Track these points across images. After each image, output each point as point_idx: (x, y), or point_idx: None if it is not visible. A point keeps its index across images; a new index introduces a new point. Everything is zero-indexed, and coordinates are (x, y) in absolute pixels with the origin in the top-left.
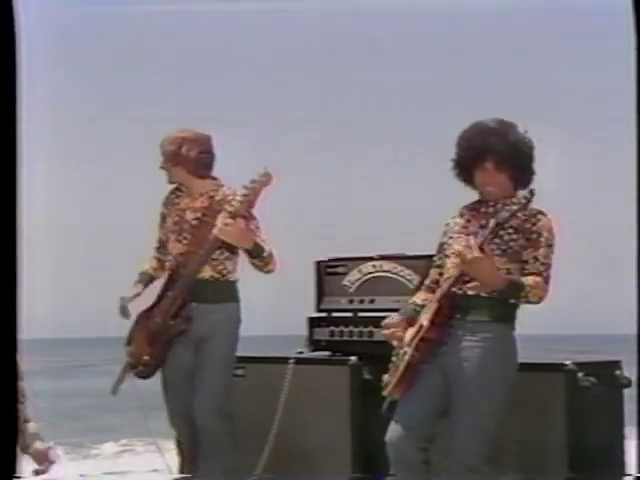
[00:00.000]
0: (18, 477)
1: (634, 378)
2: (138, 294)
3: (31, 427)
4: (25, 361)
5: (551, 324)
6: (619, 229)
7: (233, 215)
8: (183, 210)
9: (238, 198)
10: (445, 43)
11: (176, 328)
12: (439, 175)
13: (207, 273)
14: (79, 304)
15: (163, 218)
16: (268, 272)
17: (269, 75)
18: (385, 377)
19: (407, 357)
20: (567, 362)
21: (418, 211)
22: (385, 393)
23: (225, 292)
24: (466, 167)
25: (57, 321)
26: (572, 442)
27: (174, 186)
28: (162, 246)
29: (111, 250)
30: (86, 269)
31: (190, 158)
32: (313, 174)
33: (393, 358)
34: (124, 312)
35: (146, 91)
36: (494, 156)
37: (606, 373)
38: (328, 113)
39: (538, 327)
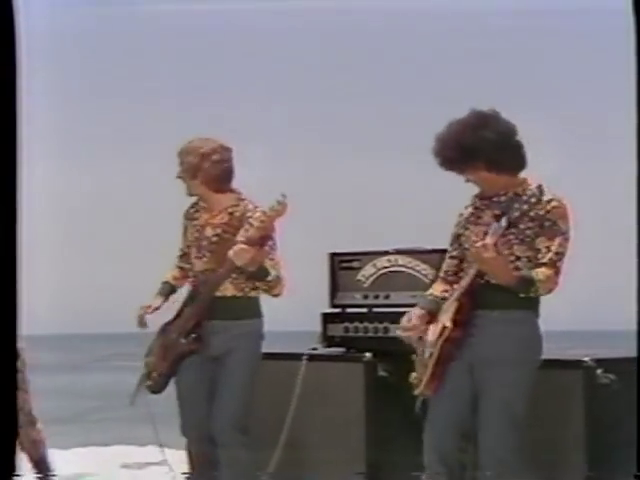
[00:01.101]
0: (18, 475)
1: None
2: (157, 307)
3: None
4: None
5: (565, 319)
6: (619, 229)
7: (247, 241)
8: (203, 226)
9: (255, 224)
10: (445, 43)
11: (186, 347)
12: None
13: (228, 291)
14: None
15: (185, 230)
16: (275, 296)
17: (279, 71)
18: (413, 376)
19: (434, 357)
20: (586, 358)
21: (430, 203)
22: (417, 392)
23: (247, 308)
24: (456, 167)
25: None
26: (591, 440)
27: (194, 199)
28: (184, 255)
29: (121, 245)
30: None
31: (210, 173)
32: (328, 170)
33: (417, 357)
34: (141, 322)
35: (146, 91)
36: (484, 156)
37: (625, 370)
38: (338, 107)
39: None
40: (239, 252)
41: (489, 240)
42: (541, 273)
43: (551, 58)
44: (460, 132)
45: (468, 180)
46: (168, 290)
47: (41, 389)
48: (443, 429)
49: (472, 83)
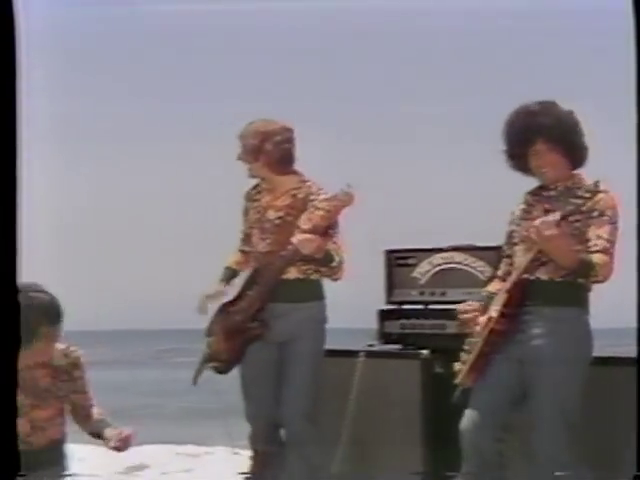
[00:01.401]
0: (22, 475)
1: None
2: (222, 293)
3: (96, 413)
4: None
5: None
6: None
7: (312, 230)
8: (265, 208)
9: (319, 213)
10: (446, 42)
11: (253, 332)
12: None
13: (292, 274)
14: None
15: (246, 212)
16: (335, 280)
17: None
18: (456, 365)
19: (478, 347)
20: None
21: (486, 200)
22: (457, 381)
23: (310, 291)
24: (518, 154)
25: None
26: None
27: (255, 181)
28: (246, 239)
29: (177, 241)
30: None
31: (272, 155)
32: (382, 167)
33: (465, 346)
34: (203, 309)
35: (146, 91)
36: (543, 136)
37: None
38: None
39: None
40: (304, 242)
41: (552, 217)
42: (597, 257)
43: (551, 58)
44: (519, 117)
45: (530, 173)
46: (231, 275)
47: (102, 384)
48: (481, 420)
49: (471, 83)
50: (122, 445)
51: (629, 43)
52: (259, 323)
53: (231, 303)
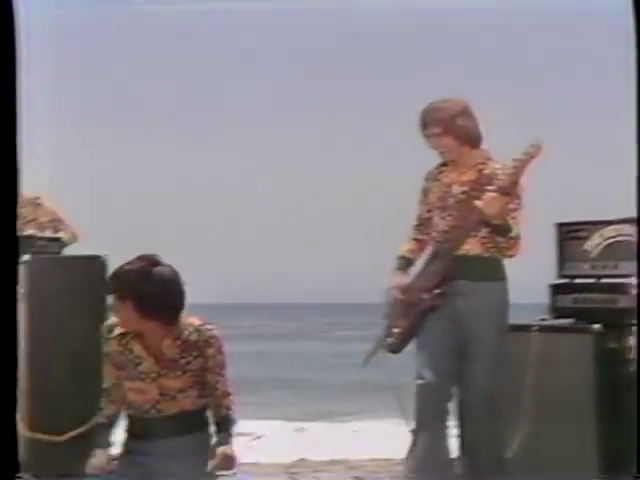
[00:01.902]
0: (19, 477)
1: None
2: (402, 283)
3: (226, 406)
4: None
5: None
6: None
7: (498, 189)
8: (449, 185)
9: (507, 171)
10: (445, 42)
11: (429, 303)
12: None
13: (475, 250)
14: None
15: (425, 193)
16: (510, 257)
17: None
18: (629, 340)
19: None
20: None
21: None
22: (630, 356)
23: (492, 269)
24: None
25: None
26: None
27: (440, 161)
28: (422, 224)
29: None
30: None
31: (463, 129)
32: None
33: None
34: (390, 297)
35: (146, 90)
36: None
37: None
38: None
39: None
40: (489, 200)
41: None
42: None
43: (551, 58)
44: None
45: None
46: (405, 264)
47: (269, 356)
48: None
49: (470, 83)
50: (224, 465)
51: (629, 43)
52: (436, 295)
53: (409, 283)
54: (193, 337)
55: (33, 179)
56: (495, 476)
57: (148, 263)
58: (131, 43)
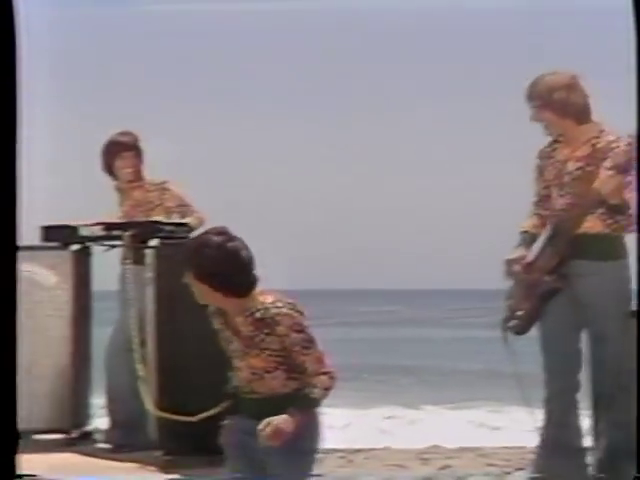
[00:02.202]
0: (19, 477)
1: None
2: (523, 257)
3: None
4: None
5: None
6: None
7: (614, 167)
8: (563, 162)
9: (622, 148)
10: (446, 42)
11: (550, 285)
12: None
13: (595, 228)
14: None
15: (540, 171)
16: (630, 232)
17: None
18: None
19: None
20: None
21: None
22: None
23: (614, 248)
24: None
25: None
26: None
27: (550, 139)
28: (541, 200)
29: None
30: None
31: (577, 103)
32: None
33: None
34: (510, 274)
35: (145, 91)
36: None
37: None
38: None
39: None
40: (606, 180)
41: None
42: None
43: (551, 58)
44: None
45: None
46: (529, 239)
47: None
48: None
49: (470, 83)
50: (272, 435)
51: (629, 43)
52: (557, 276)
53: (532, 262)
54: (259, 314)
55: (33, 179)
56: (626, 462)
57: (221, 238)
58: (131, 43)
